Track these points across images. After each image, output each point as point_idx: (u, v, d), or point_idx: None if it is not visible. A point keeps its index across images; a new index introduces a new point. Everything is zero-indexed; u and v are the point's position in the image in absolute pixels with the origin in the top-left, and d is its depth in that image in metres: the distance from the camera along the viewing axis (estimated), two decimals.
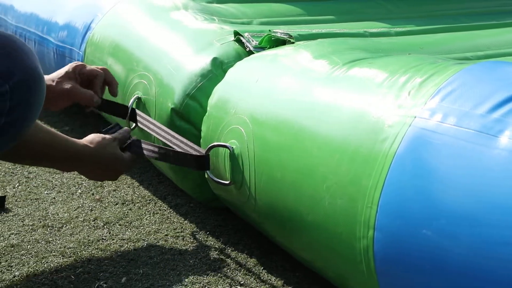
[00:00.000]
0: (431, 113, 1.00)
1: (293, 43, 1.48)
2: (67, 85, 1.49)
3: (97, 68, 1.56)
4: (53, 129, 1.36)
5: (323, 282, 1.28)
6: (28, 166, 1.87)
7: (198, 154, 1.39)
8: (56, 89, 1.48)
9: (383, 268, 1.00)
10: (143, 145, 1.46)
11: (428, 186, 0.94)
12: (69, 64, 1.53)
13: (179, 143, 1.44)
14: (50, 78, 1.49)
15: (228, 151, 1.34)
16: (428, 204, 0.93)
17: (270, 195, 1.26)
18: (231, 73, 1.47)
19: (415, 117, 1.01)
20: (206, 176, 1.47)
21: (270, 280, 1.35)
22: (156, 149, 1.43)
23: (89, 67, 1.54)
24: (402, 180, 0.97)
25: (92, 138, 1.41)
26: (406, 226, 0.96)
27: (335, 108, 1.15)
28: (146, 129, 1.54)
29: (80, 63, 1.53)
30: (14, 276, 1.34)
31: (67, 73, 1.51)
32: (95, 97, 1.52)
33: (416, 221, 0.94)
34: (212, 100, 1.46)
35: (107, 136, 1.43)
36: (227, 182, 1.35)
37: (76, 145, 1.36)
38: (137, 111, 1.59)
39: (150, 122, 1.54)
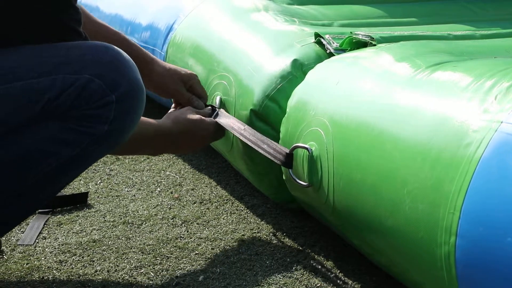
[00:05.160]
0: None
1: (374, 45, 1.46)
2: (175, 84, 1.55)
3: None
4: None
5: (401, 287, 1.26)
6: (110, 164, 1.92)
7: (286, 151, 1.39)
8: (165, 81, 1.55)
9: (465, 276, 0.98)
10: (227, 119, 1.51)
11: None
12: (189, 72, 1.59)
13: (262, 143, 1.44)
14: (167, 67, 1.56)
15: (307, 153, 1.33)
16: None
17: (349, 198, 1.25)
18: (311, 75, 1.46)
19: (501, 122, 0.99)
20: (284, 177, 1.47)
21: (347, 283, 1.34)
22: (242, 127, 1.46)
23: (201, 86, 1.60)
24: (487, 186, 0.95)
25: (166, 115, 1.48)
26: (490, 233, 0.93)
27: (417, 112, 1.13)
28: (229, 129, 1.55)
29: (197, 77, 1.59)
30: (96, 271, 1.38)
31: (182, 75, 1.57)
32: (196, 101, 1.56)
33: (501, 229, 0.92)
34: (291, 102, 1.46)
35: (182, 107, 1.51)
36: (306, 183, 1.35)
37: (154, 124, 1.42)
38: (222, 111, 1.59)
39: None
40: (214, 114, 1.54)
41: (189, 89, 1.57)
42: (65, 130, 1.15)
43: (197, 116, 1.48)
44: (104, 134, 1.18)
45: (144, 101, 1.23)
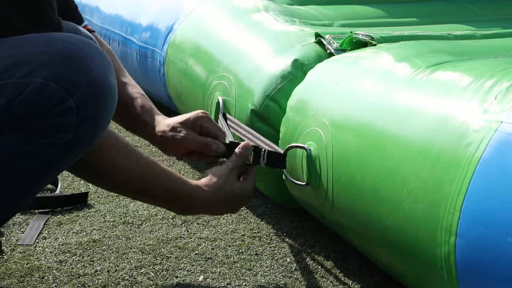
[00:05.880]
0: None
1: (374, 45, 1.46)
2: (180, 134, 1.34)
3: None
4: (160, 164, 1.21)
5: (401, 287, 1.26)
6: None
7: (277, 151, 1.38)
8: (170, 137, 1.35)
9: (465, 276, 0.98)
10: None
11: None
12: (193, 115, 1.36)
13: (261, 143, 1.44)
14: (167, 123, 1.36)
15: (306, 152, 1.33)
16: None
17: (348, 198, 1.25)
18: (311, 75, 1.46)
19: (501, 122, 0.98)
20: (284, 177, 1.47)
21: (347, 283, 1.34)
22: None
23: (214, 123, 1.38)
24: (487, 186, 0.95)
25: (208, 180, 1.25)
26: (490, 233, 0.93)
27: (417, 112, 1.13)
28: (235, 132, 1.54)
29: (205, 115, 1.37)
30: (96, 271, 1.38)
31: (186, 121, 1.35)
32: (214, 145, 1.33)
33: (501, 229, 0.92)
34: (291, 102, 1.46)
35: (223, 168, 1.27)
36: (304, 183, 1.35)
37: (187, 185, 1.22)
38: (228, 116, 1.56)
39: (235, 123, 1.54)
40: (263, 159, 1.32)
41: (200, 132, 1.35)
42: (25, 142, 0.99)
43: (234, 194, 1.27)
44: (70, 142, 1.01)
45: (113, 101, 1.05)
